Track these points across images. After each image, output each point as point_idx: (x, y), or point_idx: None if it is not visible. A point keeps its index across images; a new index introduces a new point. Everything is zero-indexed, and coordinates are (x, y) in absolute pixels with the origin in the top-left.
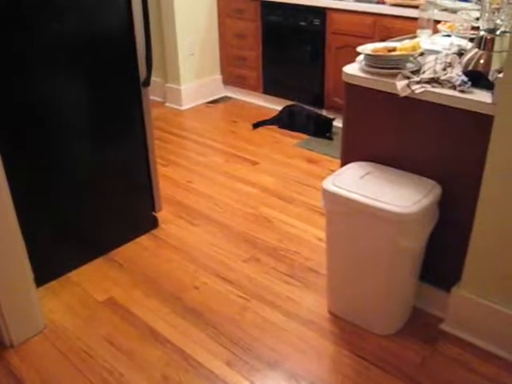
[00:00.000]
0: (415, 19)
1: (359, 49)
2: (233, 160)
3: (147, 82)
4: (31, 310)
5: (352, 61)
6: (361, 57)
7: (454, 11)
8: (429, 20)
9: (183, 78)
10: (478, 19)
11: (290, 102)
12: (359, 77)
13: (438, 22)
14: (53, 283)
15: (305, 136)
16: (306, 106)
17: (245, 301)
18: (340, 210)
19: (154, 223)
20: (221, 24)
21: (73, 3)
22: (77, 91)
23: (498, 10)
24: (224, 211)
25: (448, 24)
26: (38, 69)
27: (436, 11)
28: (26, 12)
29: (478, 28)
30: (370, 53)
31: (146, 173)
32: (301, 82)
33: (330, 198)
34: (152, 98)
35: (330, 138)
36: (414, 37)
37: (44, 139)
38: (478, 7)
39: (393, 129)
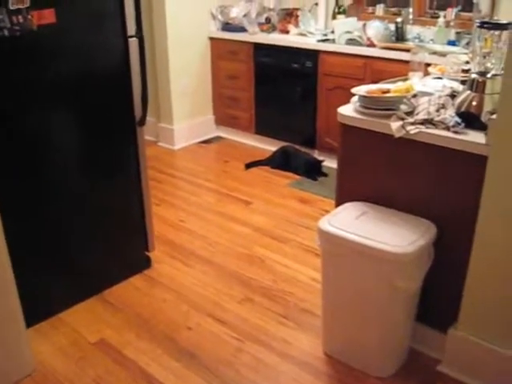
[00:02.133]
0: (405, 62)
1: (354, 90)
2: (225, 200)
3: (142, 122)
4: (20, 352)
5: (344, 102)
6: (355, 98)
7: (443, 54)
8: (420, 63)
9: (176, 117)
10: (467, 62)
11: (281, 143)
12: (354, 118)
13: (428, 64)
14: (43, 324)
15: (297, 176)
16: (299, 147)
17: (239, 342)
18: (336, 250)
19: (146, 263)
20: (214, 65)
21: (73, 44)
22: (73, 130)
23: (489, 53)
24: (217, 251)
25: (438, 67)
26: (34, 107)
27: (426, 54)
28: (25, 52)
29: (467, 71)
30: (364, 94)
31: (140, 212)
32: (293, 123)
33: (326, 237)
34: (145, 137)
35: (315, 179)
36: (406, 79)
37: (37, 178)
38: (466, 51)
39: (388, 169)
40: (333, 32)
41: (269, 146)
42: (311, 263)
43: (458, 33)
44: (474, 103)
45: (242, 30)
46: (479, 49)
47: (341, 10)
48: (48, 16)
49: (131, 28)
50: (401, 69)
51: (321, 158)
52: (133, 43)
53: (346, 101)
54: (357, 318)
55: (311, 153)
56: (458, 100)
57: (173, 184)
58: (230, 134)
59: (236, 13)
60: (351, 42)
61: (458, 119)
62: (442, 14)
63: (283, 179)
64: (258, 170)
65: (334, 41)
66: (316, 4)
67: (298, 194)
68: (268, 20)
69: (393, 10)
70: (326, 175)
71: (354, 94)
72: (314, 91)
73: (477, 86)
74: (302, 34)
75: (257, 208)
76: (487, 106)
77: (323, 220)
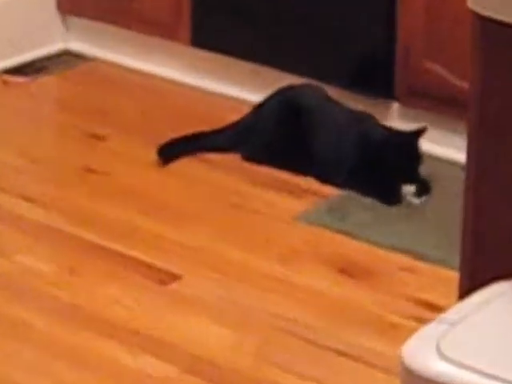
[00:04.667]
0: None
1: None
2: (92, 266)
3: None
4: None
5: None
6: None
7: None
8: None
9: None
10: None
11: (283, 79)
12: None
13: None
14: None
15: (330, 190)
16: (340, 93)
17: None
18: None
19: None
20: None
21: None
22: None
23: None
24: None
25: None
26: None
27: None
28: None
29: None
30: None
31: None
32: (322, 21)
33: None
34: None
35: (393, 201)
36: None
37: None
38: None
39: None
40: None
41: (239, 89)
42: None
43: None
44: None
45: None
46: None
47: None
48: None
49: None
50: None
51: (414, 126)
52: None
53: None
54: None
55: (379, 112)
56: None
57: None
58: (107, 44)
59: None
60: None
61: None
62: None
63: (284, 198)
64: (202, 167)
65: None
66: None
67: (331, 244)
68: None
69: None
70: (427, 190)
71: None
72: None
73: None
74: None
75: (199, 295)
76: None
77: (420, 338)
